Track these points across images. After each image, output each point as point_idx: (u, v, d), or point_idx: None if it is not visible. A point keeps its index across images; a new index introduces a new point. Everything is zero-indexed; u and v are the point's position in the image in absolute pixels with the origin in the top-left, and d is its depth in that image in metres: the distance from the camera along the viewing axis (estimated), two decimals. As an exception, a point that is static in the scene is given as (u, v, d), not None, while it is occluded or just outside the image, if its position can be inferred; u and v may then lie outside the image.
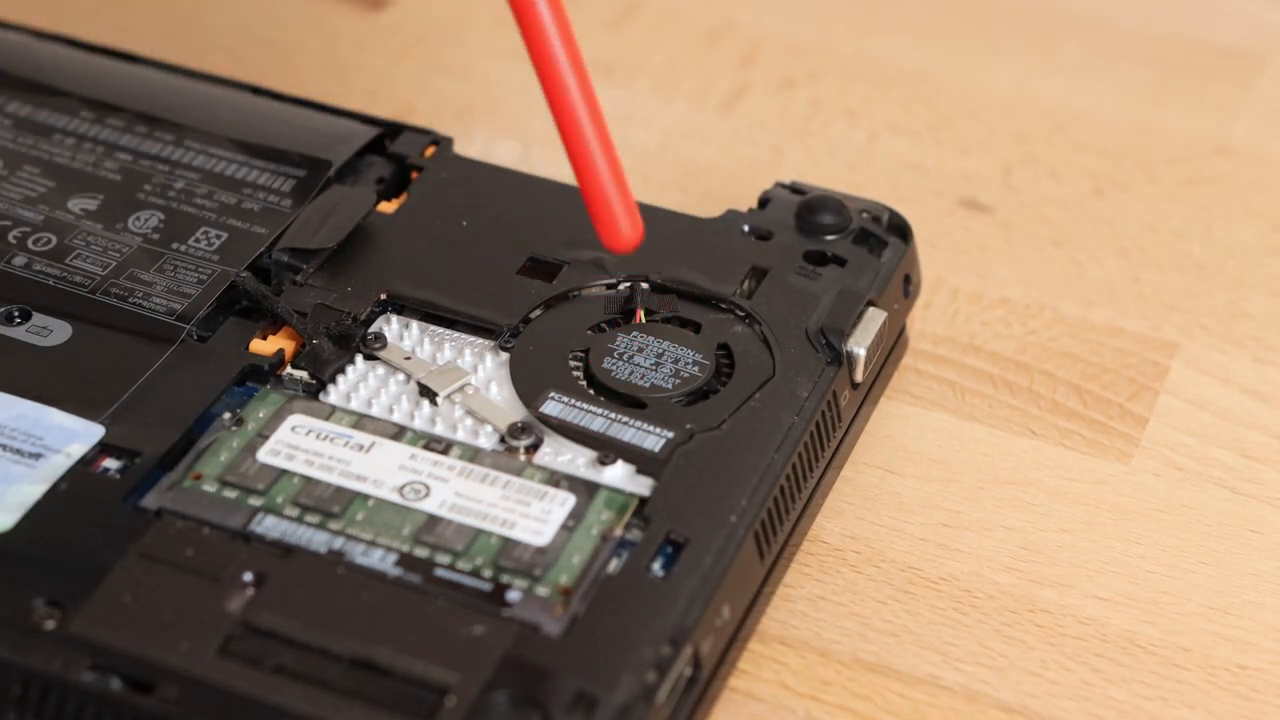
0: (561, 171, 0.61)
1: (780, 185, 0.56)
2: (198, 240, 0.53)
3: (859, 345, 0.50)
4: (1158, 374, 0.56)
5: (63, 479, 0.46)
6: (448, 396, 0.49)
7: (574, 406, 0.48)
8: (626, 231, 0.47)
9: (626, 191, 0.47)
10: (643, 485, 0.47)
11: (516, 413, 0.48)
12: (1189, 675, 0.47)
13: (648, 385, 0.49)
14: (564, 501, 0.46)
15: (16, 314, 0.50)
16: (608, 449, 0.47)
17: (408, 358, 0.50)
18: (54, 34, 0.61)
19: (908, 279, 0.54)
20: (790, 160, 0.63)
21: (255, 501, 0.46)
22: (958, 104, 0.66)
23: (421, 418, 0.48)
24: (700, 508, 0.46)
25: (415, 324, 0.51)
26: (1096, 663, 0.48)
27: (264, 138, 0.56)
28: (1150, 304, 0.58)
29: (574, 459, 0.47)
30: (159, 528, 0.45)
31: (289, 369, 0.50)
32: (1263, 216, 0.62)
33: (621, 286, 0.52)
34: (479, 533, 0.45)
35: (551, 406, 0.48)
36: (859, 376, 0.51)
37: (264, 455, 0.47)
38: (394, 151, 0.57)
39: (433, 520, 0.45)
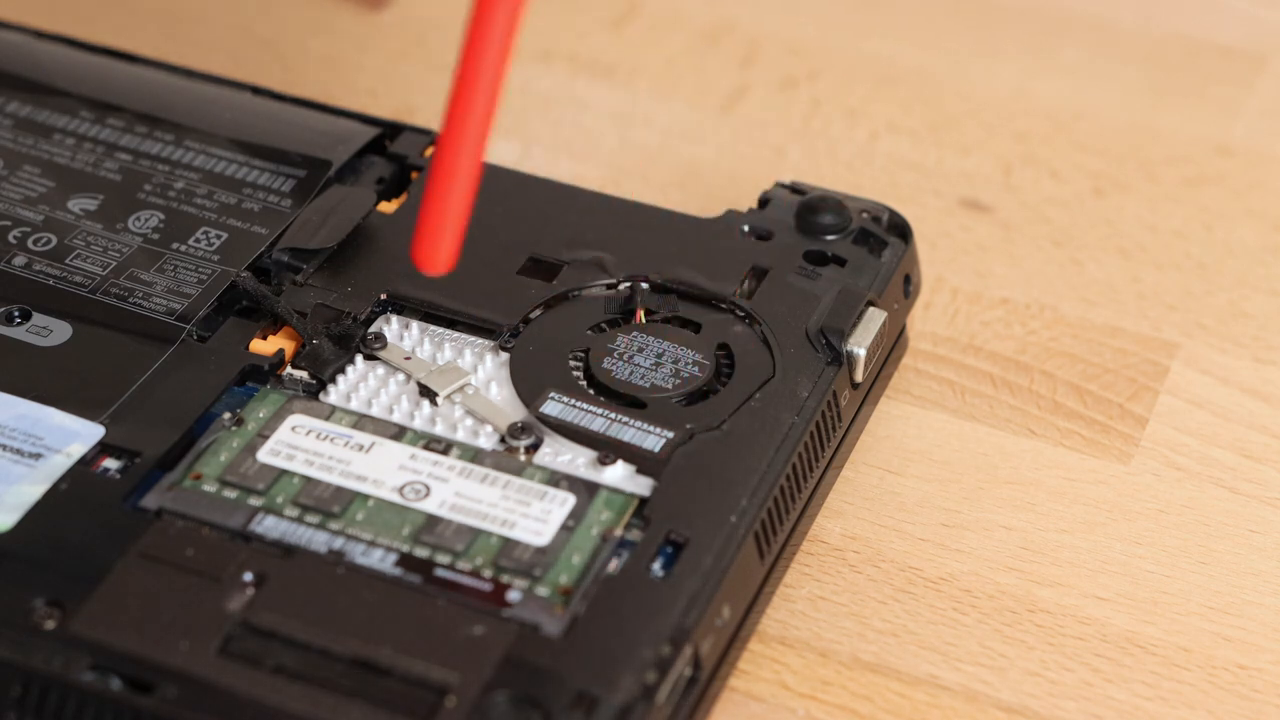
0: (561, 171, 0.61)
1: (780, 185, 0.56)
2: (198, 240, 0.53)
3: (859, 345, 0.50)
4: (1158, 374, 0.56)
5: (63, 479, 0.46)
6: (448, 396, 0.49)
7: (574, 406, 0.48)
8: (438, 259, 0.44)
9: (460, 224, 0.44)
10: (643, 485, 0.47)
11: (516, 413, 0.48)
12: (1189, 675, 0.47)
13: (648, 385, 0.49)
14: (564, 501, 0.46)
15: (16, 314, 0.50)
16: (608, 449, 0.47)
17: (408, 358, 0.50)
18: (54, 34, 0.61)
19: (908, 279, 0.54)
20: (790, 160, 0.63)
21: (255, 501, 0.46)
22: (958, 104, 0.66)
23: (421, 418, 0.48)
24: (700, 508, 0.46)
25: (415, 324, 0.51)
26: (1096, 663, 0.48)
27: (264, 138, 0.56)
28: (1150, 304, 0.58)
29: (574, 459, 0.47)
30: (159, 528, 0.45)
31: (289, 369, 0.50)
32: (1263, 216, 0.62)
33: (621, 286, 0.52)
34: (479, 533, 0.45)
35: (551, 406, 0.48)
36: (859, 376, 0.51)
37: (264, 455, 0.47)
38: (394, 151, 0.57)
39: (433, 520, 0.45)
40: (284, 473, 0.47)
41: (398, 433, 0.48)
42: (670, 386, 0.49)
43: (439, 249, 0.44)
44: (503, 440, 0.48)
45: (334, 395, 0.49)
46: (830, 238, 0.54)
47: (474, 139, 0.43)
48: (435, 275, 0.45)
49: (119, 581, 0.44)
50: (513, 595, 0.44)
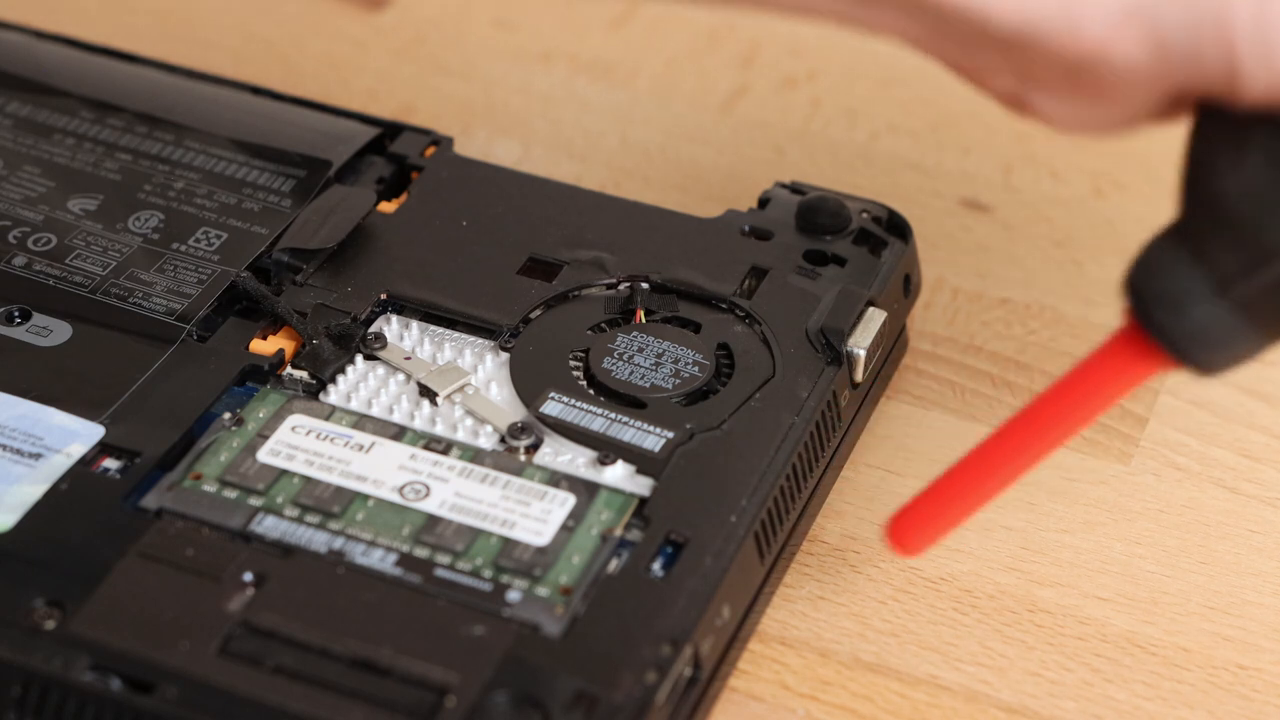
0: (561, 171, 0.61)
1: (780, 185, 0.56)
2: (198, 240, 0.53)
3: (859, 345, 0.50)
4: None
5: (63, 479, 0.46)
6: (448, 396, 0.49)
7: (574, 406, 0.48)
8: (911, 542, 0.46)
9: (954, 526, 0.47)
10: (643, 485, 0.47)
11: (516, 413, 0.48)
12: (1189, 675, 0.47)
13: (648, 385, 0.49)
14: (564, 501, 0.46)
15: (16, 314, 0.50)
16: (608, 449, 0.47)
17: (408, 358, 0.50)
18: (54, 34, 0.61)
19: (908, 279, 0.54)
20: (790, 160, 0.63)
21: (255, 501, 0.46)
22: (958, 104, 0.66)
23: (421, 418, 0.48)
24: (700, 508, 0.46)
25: (415, 324, 0.51)
26: (1096, 663, 0.48)
27: (264, 138, 0.56)
28: (1150, 304, 0.58)
29: (574, 459, 0.47)
30: (159, 528, 0.45)
31: (289, 369, 0.50)
32: (1263, 216, 0.61)
33: (621, 286, 0.52)
34: (479, 533, 0.45)
35: (551, 406, 0.48)
36: (859, 376, 0.51)
37: (264, 455, 0.47)
38: (394, 151, 0.57)
39: (433, 520, 0.45)
40: (284, 473, 0.47)
41: (398, 433, 0.48)
42: (670, 386, 0.49)
43: (922, 536, 0.46)
44: (503, 440, 0.48)
45: (334, 395, 0.49)
46: (830, 238, 0.54)
47: (1019, 466, 0.45)
48: (900, 554, 0.46)
49: (119, 581, 0.44)
50: (513, 595, 0.44)
